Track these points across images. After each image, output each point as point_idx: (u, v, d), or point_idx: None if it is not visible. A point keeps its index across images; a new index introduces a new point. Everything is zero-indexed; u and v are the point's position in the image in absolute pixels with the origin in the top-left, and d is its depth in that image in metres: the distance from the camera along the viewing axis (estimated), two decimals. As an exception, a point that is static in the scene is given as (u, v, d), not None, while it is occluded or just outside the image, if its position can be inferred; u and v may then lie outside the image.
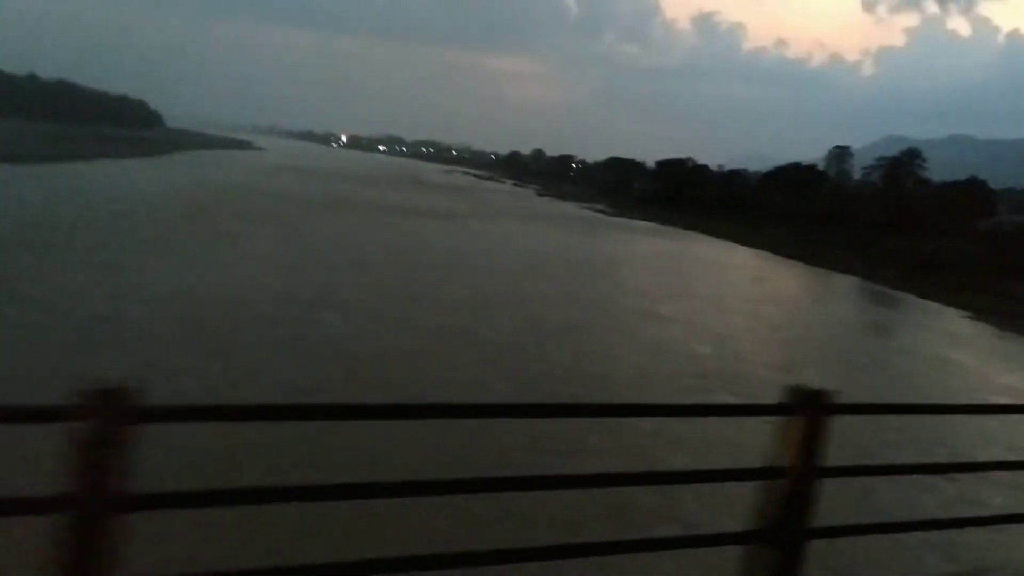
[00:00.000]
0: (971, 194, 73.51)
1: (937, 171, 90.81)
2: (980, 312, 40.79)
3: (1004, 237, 57.09)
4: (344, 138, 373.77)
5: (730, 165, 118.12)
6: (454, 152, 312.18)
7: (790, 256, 60.22)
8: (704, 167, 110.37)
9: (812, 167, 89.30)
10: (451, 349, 19.89)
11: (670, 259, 51.04)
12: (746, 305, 34.30)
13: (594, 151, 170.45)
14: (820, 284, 48.60)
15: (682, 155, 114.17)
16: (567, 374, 18.87)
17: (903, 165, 76.66)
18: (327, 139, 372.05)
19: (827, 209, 76.12)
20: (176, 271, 25.03)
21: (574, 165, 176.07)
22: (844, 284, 49.37)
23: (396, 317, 22.72)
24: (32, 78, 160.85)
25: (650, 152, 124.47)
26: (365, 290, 26.79)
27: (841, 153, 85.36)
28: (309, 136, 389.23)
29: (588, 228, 69.05)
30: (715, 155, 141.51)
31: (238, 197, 54.30)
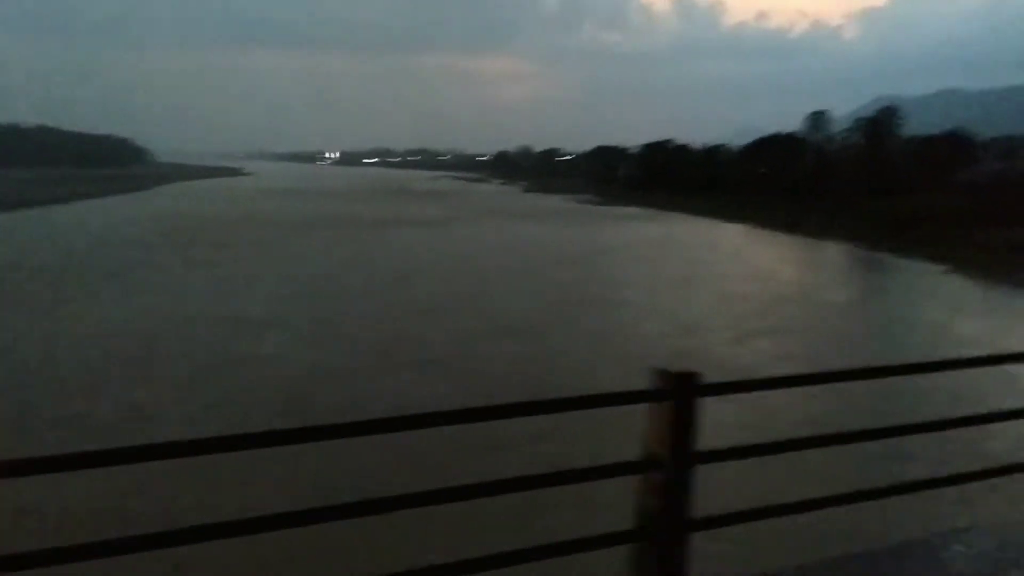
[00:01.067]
0: (951, 146, 72.79)
1: (930, 127, 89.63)
2: (957, 265, 40.27)
3: (981, 187, 56.44)
4: (332, 155, 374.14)
5: (722, 142, 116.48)
6: (444, 158, 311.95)
7: (771, 228, 59.81)
8: (685, 147, 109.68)
9: (791, 136, 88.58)
10: (390, 358, 19.60)
11: (645, 244, 50.62)
12: (714, 282, 33.93)
13: (584, 142, 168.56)
14: (797, 253, 48.10)
15: (674, 137, 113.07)
16: (506, 373, 18.58)
17: (880, 124, 75.96)
18: (315, 158, 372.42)
19: (808, 176, 75.56)
20: (119, 306, 24.83)
21: (564, 158, 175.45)
22: (822, 251, 48.89)
23: (341, 332, 22.46)
24: (12, 128, 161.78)
25: (642, 137, 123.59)
26: (319, 307, 26.55)
27: (818, 119, 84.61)
28: (298, 157, 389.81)
29: (568, 220, 68.72)
30: (706, 134, 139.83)
31: (212, 225, 54.19)
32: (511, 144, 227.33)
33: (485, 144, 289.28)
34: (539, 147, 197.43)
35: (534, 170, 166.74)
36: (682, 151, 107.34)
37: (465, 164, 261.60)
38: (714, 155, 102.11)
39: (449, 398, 15.80)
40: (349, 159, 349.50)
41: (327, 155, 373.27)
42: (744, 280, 34.86)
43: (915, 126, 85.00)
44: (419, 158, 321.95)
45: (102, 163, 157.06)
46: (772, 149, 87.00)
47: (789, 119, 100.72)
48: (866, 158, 72.06)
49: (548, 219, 69.02)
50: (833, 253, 47.79)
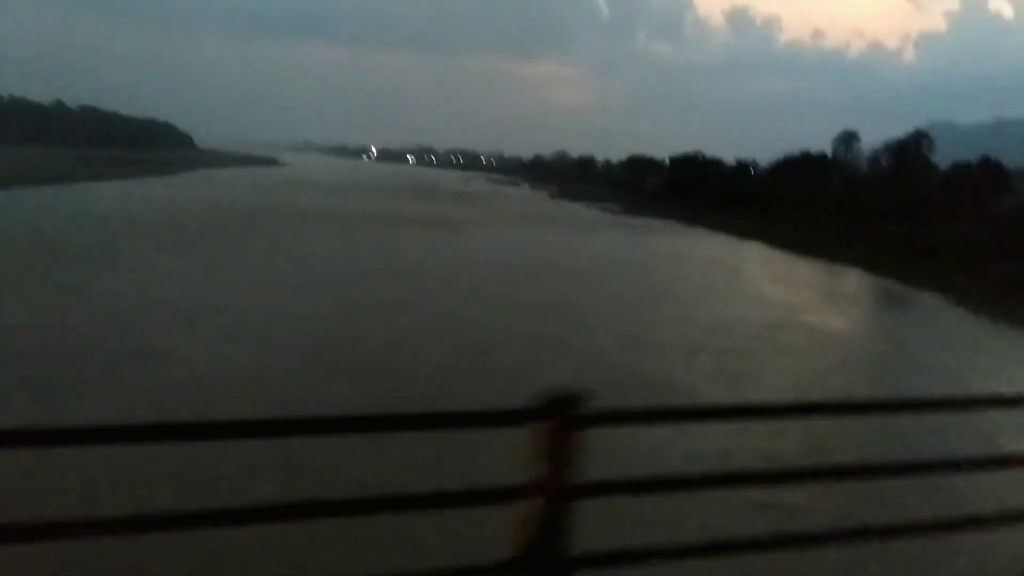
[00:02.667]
0: (983, 175, 70.64)
1: (985, 155, 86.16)
2: (962, 297, 38.89)
3: (1006, 218, 54.69)
4: (374, 150, 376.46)
5: (771, 158, 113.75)
6: (483, 159, 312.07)
7: (785, 248, 58.48)
8: (717, 161, 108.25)
9: (821, 155, 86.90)
10: (315, 362, 19.17)
11: (648, 256, 49.78)
12: (695, 300, 33.11)
13: (628, 150, 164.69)
14: (799, 275, 46.76)
15: (723, 152, 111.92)
16: (426, 384, 18.08)
17: (909, 148, 74.03)
18: (359, 153, 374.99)
19: (833, 198, 73.98)
20: (67, 287, 24.82)
21: (599, 166, 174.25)
22: (826, 274, 47.49)
23: (282, 331, 22.13)
24: (58, 105, 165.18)
25: (687, 149, 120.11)
26: (276, 303, 26.30)
27: (848, 139, 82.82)
28: (342, 151, 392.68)
29: (582, 229, 67.87)
30: (754, 150, 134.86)
31: (217, 212, 54.46)
32: (553, 148, 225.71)
33: (528, 148, 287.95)
34: (583, 153, 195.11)
35: (567, 176, 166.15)
36: (711, 165, 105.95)
37: (506, 167, 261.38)
38: (743, 171, 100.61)
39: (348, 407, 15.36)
40: (391, 156, 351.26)
41: (372, 150, 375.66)
42: (728, 300, 33.93)
43: (969, 154, 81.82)
44: (460, 159, 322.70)
45: (142, 146, 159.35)
46: (799, 168, 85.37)
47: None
48: (891, 183, 70.28)
49: (562, 226, 68.23)
50: (837, 277, 46.43)
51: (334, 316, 24.05)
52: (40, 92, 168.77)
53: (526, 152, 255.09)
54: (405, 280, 32.09)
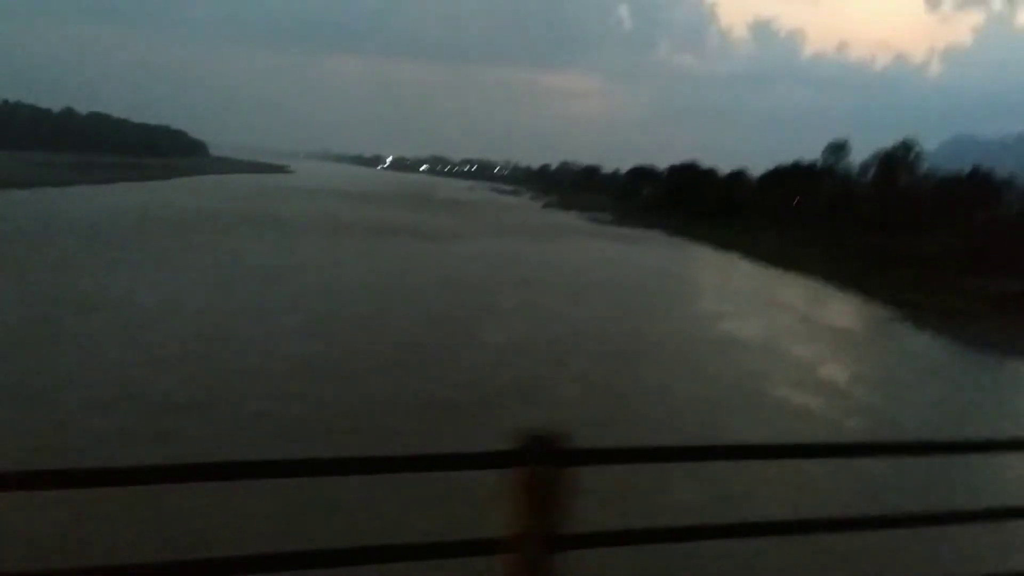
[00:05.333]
0: (972, 188, 69.01)
1: (1011, 169, 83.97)
2: (912, 312, 37.52)
3: (982, 231, 53.25)
4: (388, 159, 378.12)
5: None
6: (496, 169, 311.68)
7: (755, 257, 57.26)
8: (711, 171, 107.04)
9: (811, 166, 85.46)
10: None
11: (609, 265, 48.80)
12: (622, 314, 32.13)
13: (642, 162, 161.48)
14: (750, 285, 45.46)
15: (742, 163, 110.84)
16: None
17: (897, 160, 72.42)
18: (374, 162, 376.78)
19: (815, 209, 72.66)
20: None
21: (604, 175, 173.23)
22: (783, 285, 46.07)
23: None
24: (67, 112, 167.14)
25: (703, 162, 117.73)
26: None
27: (836, 149, 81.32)
28: (358, 160, 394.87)
29: (560, 238, 66.85)
30: (772, 162, 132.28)
31: (184, 218, 54.22)
32: (572, 158, 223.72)
33: (542, 158, 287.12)
34: (598, 163, 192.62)
35: (569, 186, 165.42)
36: (705, 175, 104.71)
37: (518, 177, 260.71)
38: (735, 181, 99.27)
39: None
40: (404, 165, 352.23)
41: (386, 159, 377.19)
42: (658, 311, 32.93)
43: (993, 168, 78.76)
44: (473, 168, 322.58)
45: (148, 152, 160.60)
46: (788, 178, 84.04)
47: (865, 151, 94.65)
48: (872, 194, 68.87)
49: (541, 236, 66.95)
50: (791, 288, 44.94)
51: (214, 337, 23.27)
52: (57, 100, 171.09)
53: (540, 162, 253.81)
54: (305, 289, 31.29)
